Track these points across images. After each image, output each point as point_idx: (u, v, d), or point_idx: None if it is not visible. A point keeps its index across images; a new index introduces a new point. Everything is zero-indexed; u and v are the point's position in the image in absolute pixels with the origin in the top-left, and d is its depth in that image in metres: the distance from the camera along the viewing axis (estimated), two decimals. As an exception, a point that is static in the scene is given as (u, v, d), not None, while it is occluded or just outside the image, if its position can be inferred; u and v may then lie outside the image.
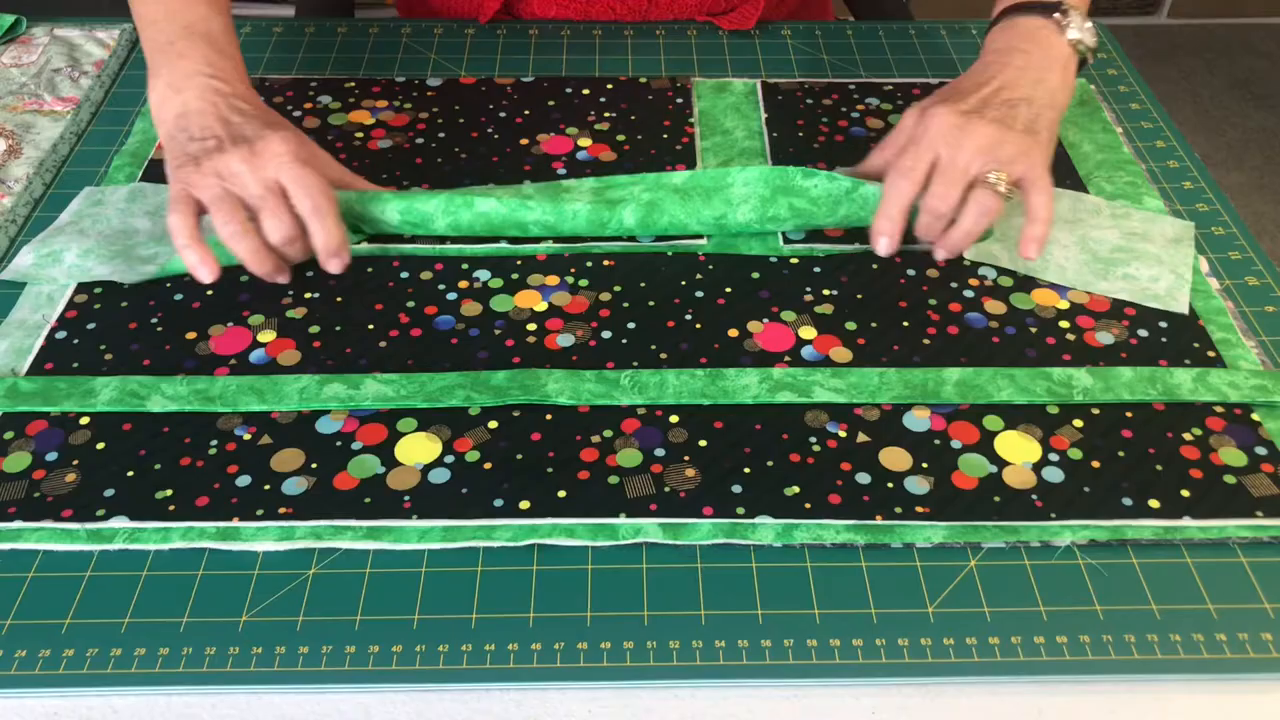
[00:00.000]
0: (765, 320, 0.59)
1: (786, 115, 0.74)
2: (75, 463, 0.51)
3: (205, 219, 0.58)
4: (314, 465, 0.51)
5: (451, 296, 0.61)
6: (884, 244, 0.60)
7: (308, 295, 0.60)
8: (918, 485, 0.50)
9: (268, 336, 0.58)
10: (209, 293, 0.61)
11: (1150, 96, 0.77)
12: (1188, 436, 0.53)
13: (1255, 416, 0.54)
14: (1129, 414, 0.54)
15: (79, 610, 0.46)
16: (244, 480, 0.50)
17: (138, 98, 0.77)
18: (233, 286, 0.61)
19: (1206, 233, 0.65)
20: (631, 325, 0.59)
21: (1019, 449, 0.52)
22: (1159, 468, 0.51)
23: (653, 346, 0.57)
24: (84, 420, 0.53)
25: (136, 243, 0.62)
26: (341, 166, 0.63)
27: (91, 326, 0.58)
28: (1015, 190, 0.59)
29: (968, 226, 0.59)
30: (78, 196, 0.66)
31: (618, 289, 0.61)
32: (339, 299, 0.60)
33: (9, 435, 0.53)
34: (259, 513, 0.49)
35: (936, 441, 0.53)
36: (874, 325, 0.59)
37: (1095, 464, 0.52)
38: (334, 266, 0.59)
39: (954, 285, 0.61)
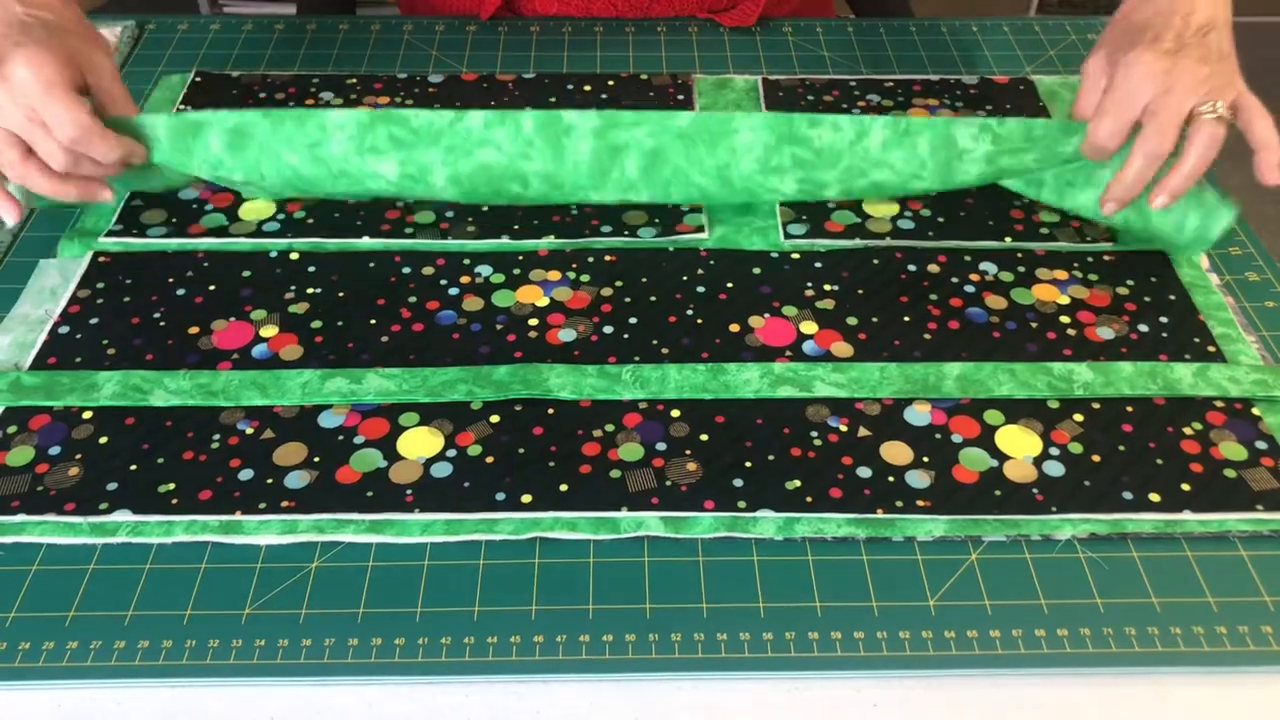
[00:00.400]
0: (766, 315, 0.59)
1: (787, 112, 0.74)
2: (78, 457, 0.51)
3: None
4: (316, 459, 0.51)
5: (453, 292, 0.61)
6: (1111, 208, 0.60)
7: (310, 290, 0.61)
8: (919, 479, 0.51)
9: (270, 331, 0.58)
10: (211, 288, 0.61)
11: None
12: (1188, 431, 0.53)
13: (1256, 411, 0.54)
14: (1129, 408, 0.54)
15: (82, 603, 0.46)
16: (246, 474, 0.51)
17: (140, 94, 0.77)
18: (235, 281, 0.61)
19: (1223, 253, 0.65)
20: (633, 320, 0.59)
21: (1020, 443, 0.52)
22: (1159, 462, 0.52)
23: (654, 342, 0.58)
24: (87, 414, 0.53)
25: None
26: (112, 74, 0.59)
27: (94, 321, 0.59)
28: (1234, 116, 0.57)
29: (1194, 163, 0.57)
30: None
31: (619, 284, 0.61)
32: (341, 294, 0.60)
33: (12, 429, 0.53)
34: (261, 506, 0.49)
35: (937, 436, 0.53)
36: (875, 320, 0.59)
37: (1096, 458, 0.52)
38: (135, 160, 0.59)
39: (955, 280, 0.61)
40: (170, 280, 0.61)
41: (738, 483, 0.50)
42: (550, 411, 0.54)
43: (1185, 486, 0.50)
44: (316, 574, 0.47)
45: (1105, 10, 2.48)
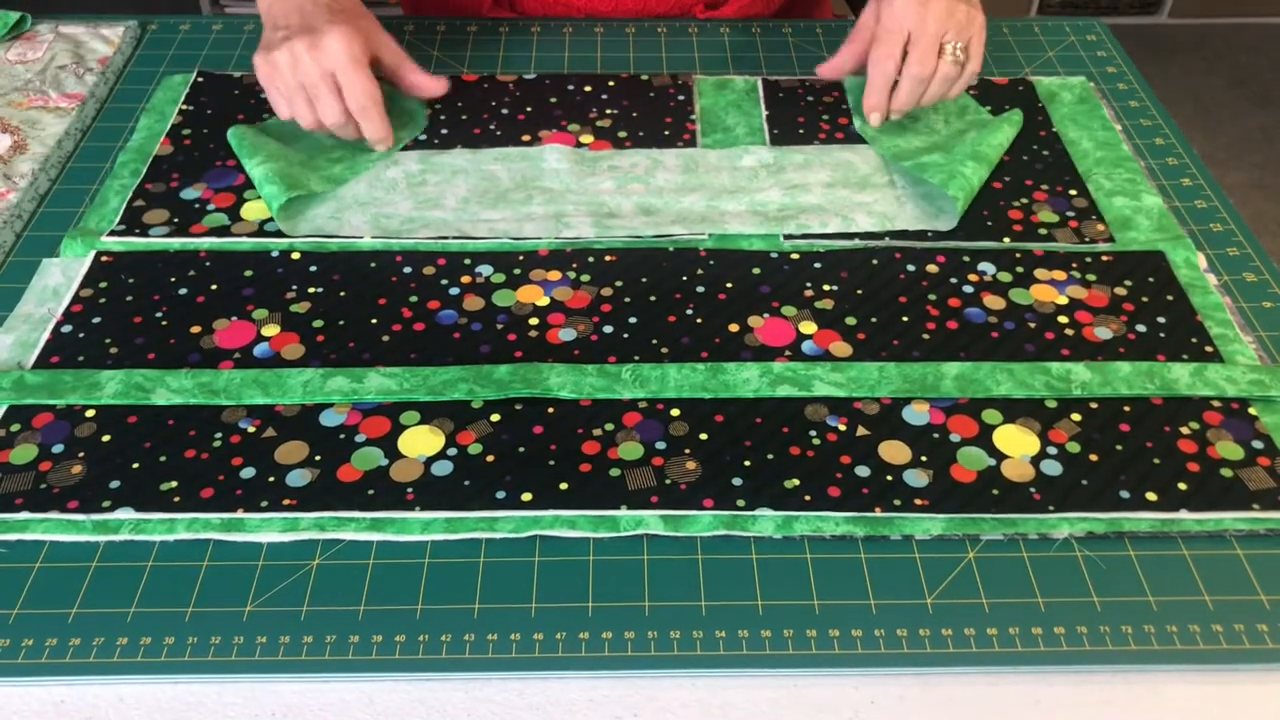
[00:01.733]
0: (766, 315, 0.60)
1: (787, 112, 0.75)
2: (81, 455, 0.52)
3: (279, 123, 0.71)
4: (318, 457, 0.52)
5: (454, 291, 0.61)
6: (875, 118, 0.71)
7: (311, 290, 0.61)
8: (917, 478, 0.51)
9: (271, 330, 0.58)
10: (213, 287, 0.61)
11: (1150, 94, 0.78)
12: (1185, 430, 0.53)
13: (1253, 411, 0.54)
14: (1127, 408, 0.54)
15: (85, 600, 0.46)
16: (248, 472, 0.51)
17: (142, 94, 0.77)
18: (237, 280, 0.61)
19: (1205, 229, 0.65)
20: (633, 320, 0.59)
21: (1017, 442, 0.53)
22: (1156, 461, 0.52)
23: (654, 341, 0.58)
24: (90, 413, 0.54)
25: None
26: (398, 49, 0.71)
27: (97, 320, 0.59)
28: (966, 57, 0.69)
29: (934, 92, 0.70)
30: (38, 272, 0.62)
31: (619, 284, 0.61)
32: (342, 293, 0.61)
33: (15, 428, 0.53)
34: (263, 504, 0.49)
35: (935, 435, 0.53)
36: (874, 320, 0.59)
37: (1093, 457, 0.52)
38: (380, 148, 0.70)
39: (953, 281, 0.62)
40: (172, 279, 0.61)
41: (736, 481, 0.50)
42: (550, 410, 0.54)
43: (1182, 486, 0.51)
44: (318, 571, 0.47)
45: (1105, 11, 2.45)
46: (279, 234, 0.64)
